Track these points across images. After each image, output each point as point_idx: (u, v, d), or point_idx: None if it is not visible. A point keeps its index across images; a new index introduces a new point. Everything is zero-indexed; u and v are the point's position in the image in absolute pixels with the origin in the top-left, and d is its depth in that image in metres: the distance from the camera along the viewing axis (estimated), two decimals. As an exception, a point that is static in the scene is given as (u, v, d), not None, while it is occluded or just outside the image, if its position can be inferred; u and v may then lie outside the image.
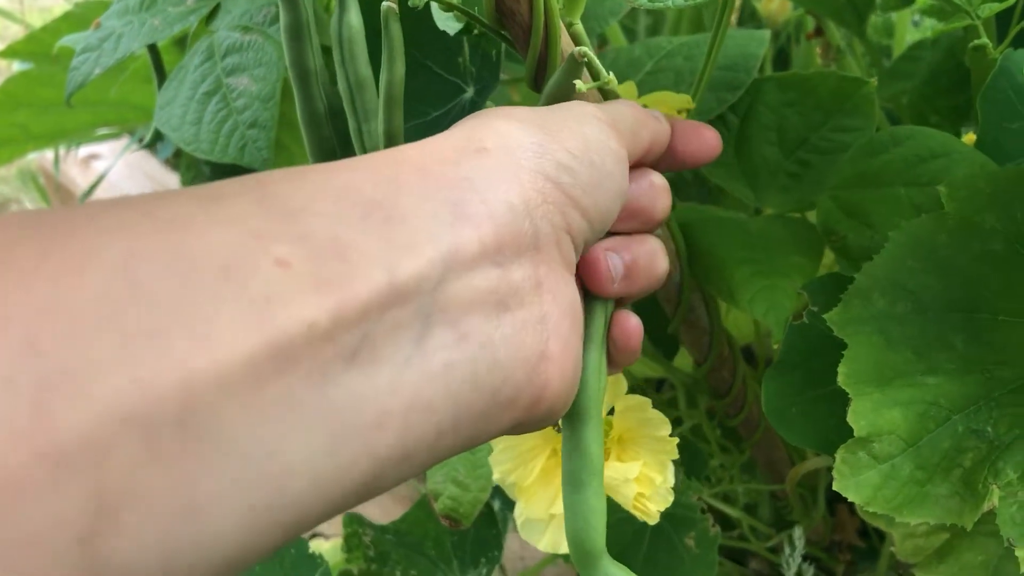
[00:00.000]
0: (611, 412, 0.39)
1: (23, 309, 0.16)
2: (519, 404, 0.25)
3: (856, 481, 0.34)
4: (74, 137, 0.96)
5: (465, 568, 0.55)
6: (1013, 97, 0.40)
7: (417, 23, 0.39)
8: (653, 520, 0.38)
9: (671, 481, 0.38)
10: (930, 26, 0.72)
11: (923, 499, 0.33)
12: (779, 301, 0.41)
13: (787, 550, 0.50)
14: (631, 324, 0.32)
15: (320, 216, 0.21)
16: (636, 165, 0.32)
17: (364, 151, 0.38)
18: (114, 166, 1.09)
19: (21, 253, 0.17)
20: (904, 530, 0.40)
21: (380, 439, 0.21)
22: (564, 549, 0.39)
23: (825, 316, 0.37)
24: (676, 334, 0.46)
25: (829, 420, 0.39)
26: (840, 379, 0.35)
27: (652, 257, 0.31)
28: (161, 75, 0.59)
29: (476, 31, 0.36)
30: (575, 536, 0.31)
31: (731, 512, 0.54)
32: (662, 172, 0.33)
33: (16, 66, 0.96)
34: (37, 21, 1.34)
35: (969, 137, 0.46)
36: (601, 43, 0.71)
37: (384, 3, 0.34)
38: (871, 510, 0.33)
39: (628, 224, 0.31)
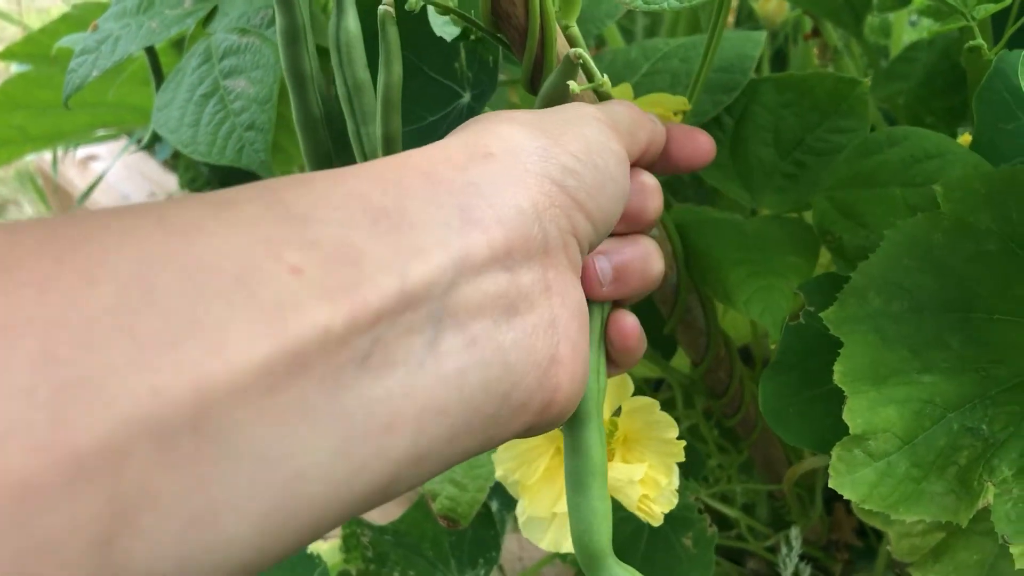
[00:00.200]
0: (617, 413, 0.39)
1: (39, 319, 0.16)
2: (531, 408, 0.25)
3: (852, 479, 0.34)
4: (72, 138, 0.95)
5: (463, 568, 0.55)
6: (1008, 98, 0.40)
7: (414, 27, 0.39)
8: (657, 522, 0.38)
9: (676, 483, 0.38)
10: (927, 26, 0.72)
11: (919, 496, 0.33)
12: (775, 301, 0.41)
13: (784, 550, 0.50)
14: (627, 324, 0.32)
15: (330, 222, 0.21)
16: (631, 166, 0.32)
17: (363, 153, 0.38)
18: (112, 167, 1.09)
19: (35, 263, 0.17)
20: (900, 529, 0.40)
21: (394, 443, 0.21)
22: (565, 548, 0.39)
23: (821, 315, 0.37)
24: (673, 335, 0.46)
25: (826, 420, 0.39)
26: (836, 377, 0.35)
27: (645, 258, 0.31)
28: (159, 77, 0.59)
29: (473, 36, 0.36)
30: (579, 538, 0.31)
31: (728, 512, 0.54)
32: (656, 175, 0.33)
33: (14, 68, 0.96)
34: (35, 23, 1.34)
35: (965, 138, 0.46)
36: (599, 44, 0.71)
37: (381, 7, 0.34)
38: (867, 508, 0.34)
39: (619, 225, 0.31)
